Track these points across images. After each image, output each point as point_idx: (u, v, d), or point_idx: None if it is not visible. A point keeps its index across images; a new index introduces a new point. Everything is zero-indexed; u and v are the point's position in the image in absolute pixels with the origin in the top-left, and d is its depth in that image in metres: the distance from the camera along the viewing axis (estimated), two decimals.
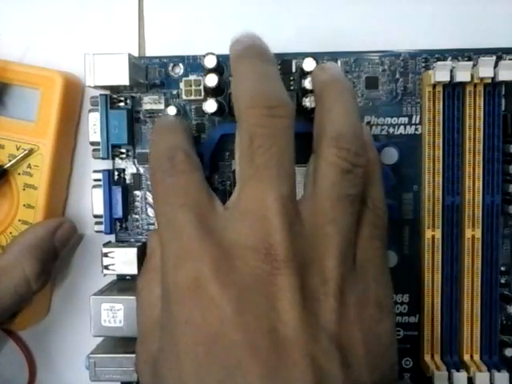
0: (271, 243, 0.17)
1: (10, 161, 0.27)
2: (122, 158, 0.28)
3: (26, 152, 0.27)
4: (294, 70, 0.27)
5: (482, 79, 0.25)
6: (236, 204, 0.19)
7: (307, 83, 0.24)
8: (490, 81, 0.25)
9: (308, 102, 0.24)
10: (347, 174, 0.19)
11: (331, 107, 0.20)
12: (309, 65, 0.24)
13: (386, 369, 0.19)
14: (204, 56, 0.25)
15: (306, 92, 0.24)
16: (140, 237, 0.28)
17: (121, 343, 0.25)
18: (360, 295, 0.18)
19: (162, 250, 0.19)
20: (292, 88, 0.27)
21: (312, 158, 0.21)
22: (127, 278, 0.27)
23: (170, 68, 0.27)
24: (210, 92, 0.25)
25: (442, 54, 0.27)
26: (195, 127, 0.27)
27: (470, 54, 0.26)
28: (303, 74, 0.25)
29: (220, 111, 0.26)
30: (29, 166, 0.28)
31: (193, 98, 0.26)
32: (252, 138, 0.18)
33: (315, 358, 0.16)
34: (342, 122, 0.20)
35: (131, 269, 0.26)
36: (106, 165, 0.28)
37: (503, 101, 0.26)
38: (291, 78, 0.27)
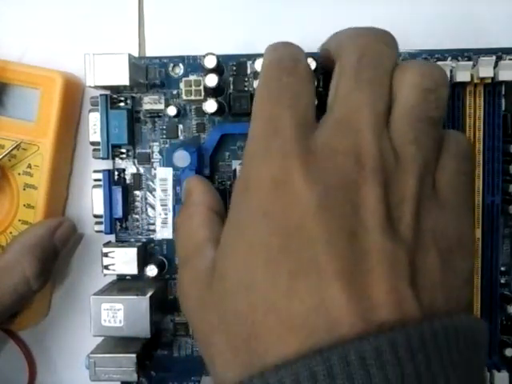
0: (361, 153, 0.17)
1: (9, 160, 0.27)
2: (122, 158, 0.28)
3: (15, 145, 0.27)
4: None
5: (482, 79, 0.25)
6: (333, 113, 0.19)
7: None
8: (490, 81, 0.25)
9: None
10: (430, 93, 0.19)
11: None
12: (309, 65, 0.24)
13: (463, 303, 0.18)
14: (204, 56, 0.25)
15: None
16: (140, 237, 0.28)
17: (121, 343, 0.25)
18: (439, 224, 0.18)
19: (250, 144, 0.19)
20: None
21: None
22: (127, 277, 0.27)
23: (170, 68, 0.27)
24: (210, 92, 0.25)
25: (442, 54, 0.26)
26: (195, 127, 0.27)
27: (470, 54, 0.26)
28: None
29: (220, 111, 0.25)
30: (29, 166, 0.28)
31: (193, 98, 0.26)
32: (361, 56, 0.19)
33: (391, 268, 0.16)
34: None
35: (131, 269, 0.26)
36: (106, 165, 0.28)
37: (503, 101, 0.26)
38: None
